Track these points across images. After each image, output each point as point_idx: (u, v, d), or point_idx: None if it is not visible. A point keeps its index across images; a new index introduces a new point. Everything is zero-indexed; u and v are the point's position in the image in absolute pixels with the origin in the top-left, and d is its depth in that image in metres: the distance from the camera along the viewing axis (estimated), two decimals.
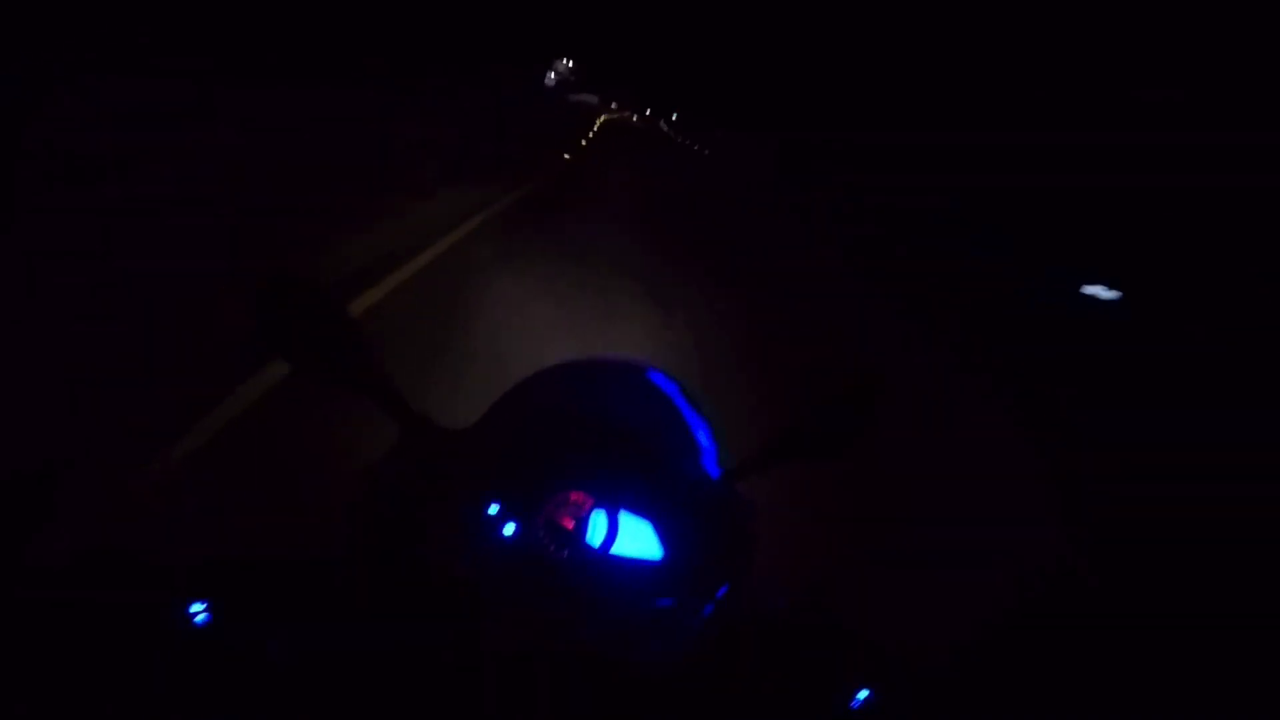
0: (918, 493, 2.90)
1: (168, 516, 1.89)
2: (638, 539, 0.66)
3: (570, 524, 0.65)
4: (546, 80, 54.30)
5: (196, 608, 0.51)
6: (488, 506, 0.65)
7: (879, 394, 0.74)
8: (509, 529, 0.64)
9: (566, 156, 15.12)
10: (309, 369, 0.66)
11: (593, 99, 67.26)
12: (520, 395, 0.83)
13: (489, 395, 0.84)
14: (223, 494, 2.01)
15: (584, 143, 20.83)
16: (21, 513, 0.70)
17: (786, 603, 0.70)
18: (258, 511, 1.85)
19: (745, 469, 0.73)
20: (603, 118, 35.15)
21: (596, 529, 0.65)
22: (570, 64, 71.96)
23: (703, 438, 0.81)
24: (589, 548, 0.65)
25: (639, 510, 0.66)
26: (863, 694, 0.61)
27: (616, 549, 0.65)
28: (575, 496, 0.66)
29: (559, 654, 0.60)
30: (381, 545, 0.66)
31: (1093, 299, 6.67)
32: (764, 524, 0.70)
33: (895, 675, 0.65)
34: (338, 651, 0.53)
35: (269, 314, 0.65)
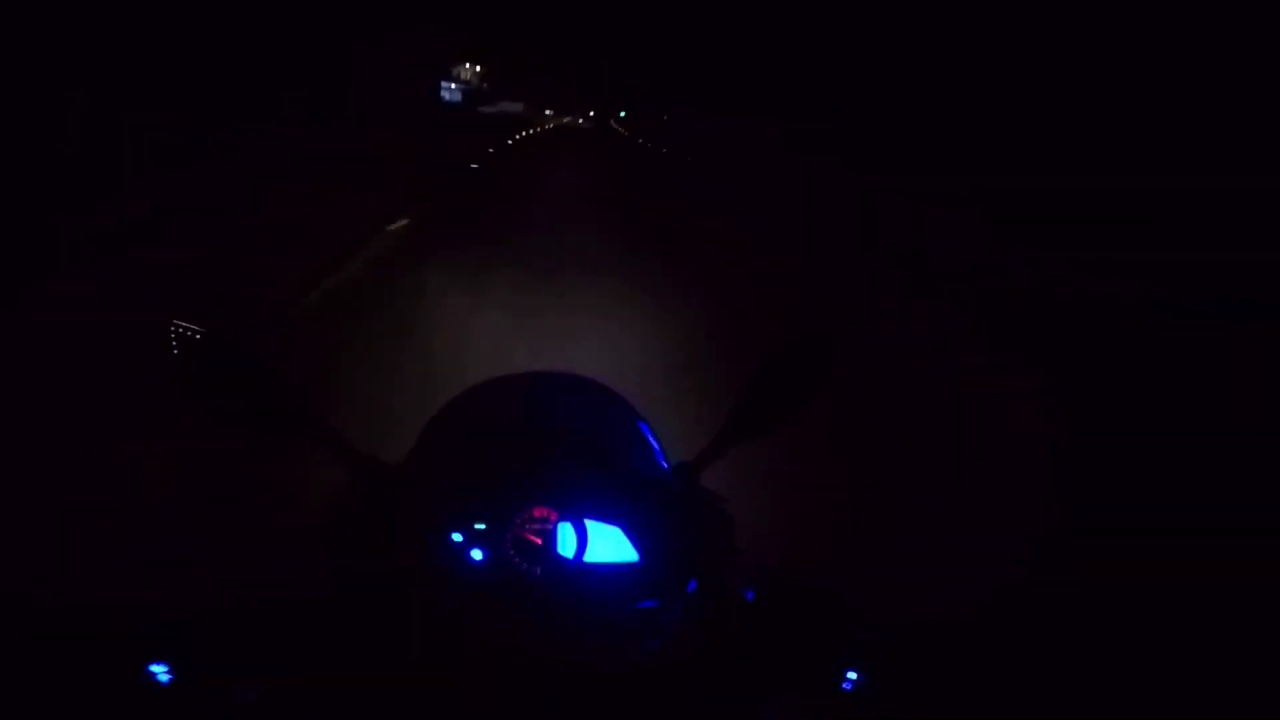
0: (909, 470, 2.91)
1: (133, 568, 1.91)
2: (609, 544, 0.66)
3: (538, 540, 0.65)
4: (444, 90, 47.57)
5: (158, 668, 0.52)
6: (451, 536, 0.64)
7: (825, 354, 0.71)
8: (477, 555, 0.64)
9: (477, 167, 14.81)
10: (237, 424, 0.64)
11: (517, 107, 58.29)
12: (457, 413, 0.82)
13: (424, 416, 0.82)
14: (185, 542, 2.03)
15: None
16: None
17: (771, 589, 0.70)
18: (224, 560, 1.87)
19: (704, 459, 0.72)
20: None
21: (566, 540, 0.65)
22: (478, 70, 65.13)
23: (649, 436, 0.81)
24: (562, 560, 0.65)
25: (605, 516, 0.66)
26: (852, 675, 0.61)
27: (589, 557, 0.65)
28: (539, 512, 0.65)
29: (548, 671, 0.59)
30: (352, 589, 0.65)
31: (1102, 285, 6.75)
32: (740, 511, 0.69)
33: (885, 656, 0.66)
34: (309, 693, 0.54)
35: (188, 372, 0.64)
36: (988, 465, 2.92)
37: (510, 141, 21.70)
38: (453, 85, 53.28)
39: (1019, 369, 4.31)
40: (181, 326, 0.64)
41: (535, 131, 31.49)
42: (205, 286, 4.42)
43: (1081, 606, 1.99)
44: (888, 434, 3.24)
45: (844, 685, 0.61)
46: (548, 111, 73.75)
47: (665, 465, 0.77)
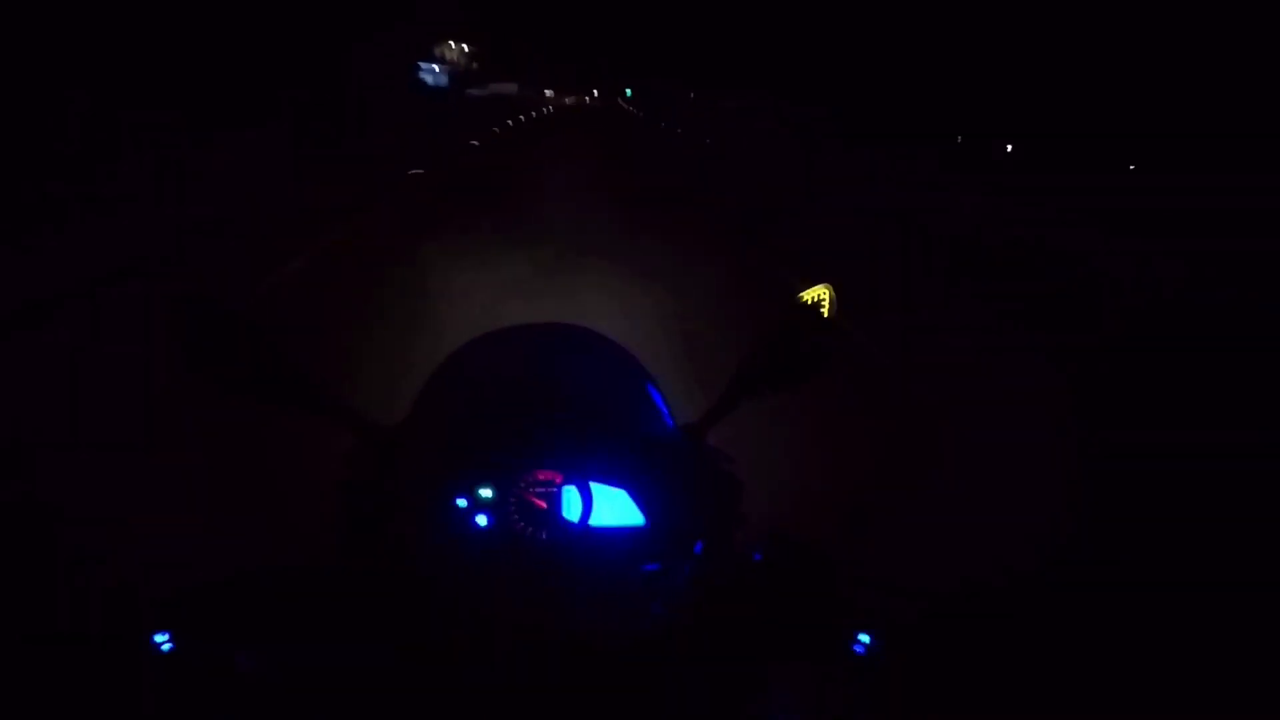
0: (921, 437, 2.95)
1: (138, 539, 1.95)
2: (615, 507, 0.66)
3: (543, 503, 0.65)
4: (426, 72, 42.78)
5: (160, 637, 0.54)
6: (455, 502, 0.64)
7: (828, 309, 0.70)
8: (482, 520, 0.64)
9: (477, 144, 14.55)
10: (235, 391, 0.64)
11: (510, 88, 53.91)
12: (459, 369, 0.80)
13: (426, 370, 0.80)
14: (193, 513, 2.08)
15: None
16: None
17: (779, 552, 0.69)
18: (232, 531, 1.92)
19: (710, 418, 0.71)
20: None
21: (571, 504, 0.65)
22: (465, 49, 58.55)
23: (655, 394, 0.79)
24: (567, 524, 0.64)
25: (611, 479, 0.65)
26: (864, 639, 0.61)
27: (594, 520, 0.65)
28: (543, 475, 0.65)
29: (554, 637, 0.60)
30: (359, 557, 0.65)
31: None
32: (749, 472, 0.70)
33: (899, 620, 0.65)
34: (310, 659, 0.56)
35: (188, 340, 0.63)
36: (1003, 444, 2.87)
37: (498, 130, 19.38)
38: (435, 67, 48.20)
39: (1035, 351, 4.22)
40: (182, 297, 0.64)
41: (533, 116, 28.96)
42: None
43: (1093, 587, 1.98)
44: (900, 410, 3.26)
45: (856, 649, 0.61)
46: (547, 92, 69.36)
47: (671, 424, 0.76)
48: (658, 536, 0.65)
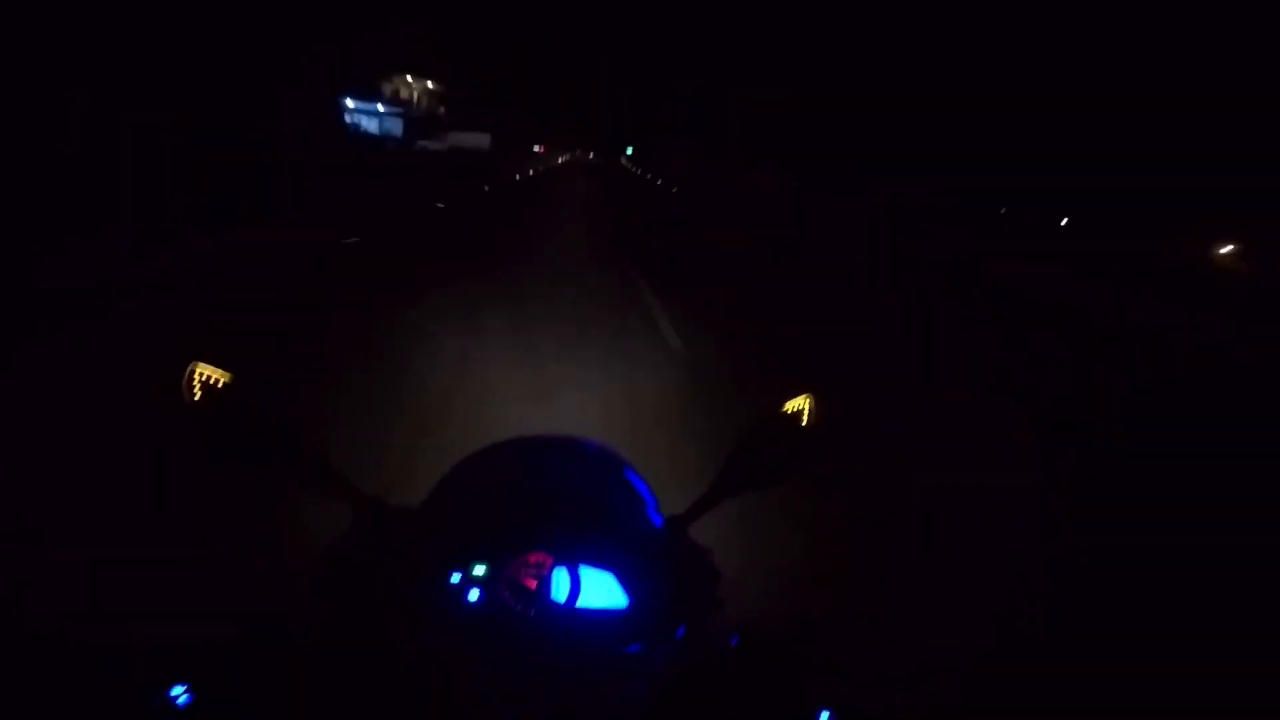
0: (893, 515, 2.99)
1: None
2: (601, 590, 0.71)
3: (533, 583, 0.69)
4: (358, 118, 32.39)
5: (177, 690, 0.56)
6: (450, 576, 0.68)
7: (814, 414, 0.76)
8: (473, 595, 0.68)
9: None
10: (246, 465, 0.69)
11: (483, 140, 41.76)
12: (466, 470, 0.87)
13: (433, 473, 0.87)
14: (191, 578, 2.08)
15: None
16: None
17: (753, 638, 0.75)
18: (228, 595, 1.93)
19: (694, 512, 0.78)
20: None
21: (559, 585, 0.70)
22: (431, 86, 47.49)
23: (644, 492, 0.86)
24: (555, 604, 0.69)
25: (599, 562, 0.71)
26: (825, 715, 0.66)
27: (581, 602, 0.70)
28: (534, 557, 0.70)
29: (537, 711, 0.64)
30: (349, 622, 0.68)
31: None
32: (723, 562, 0.75)
33: (857, 698, 0.72)
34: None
35: (195, 413, 0.68)
36: (974, 534, 2.91)
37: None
38: (379, 109, 36.47)
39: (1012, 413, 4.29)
40: (199, 370, 0.68)
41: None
42: None
43: (1069, 681, 2.00)
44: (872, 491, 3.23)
45: None
46: (536, 148, 58.97)
47: (657, 519, 0.82)
48: (641, 619, 0.70)
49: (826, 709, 0.67)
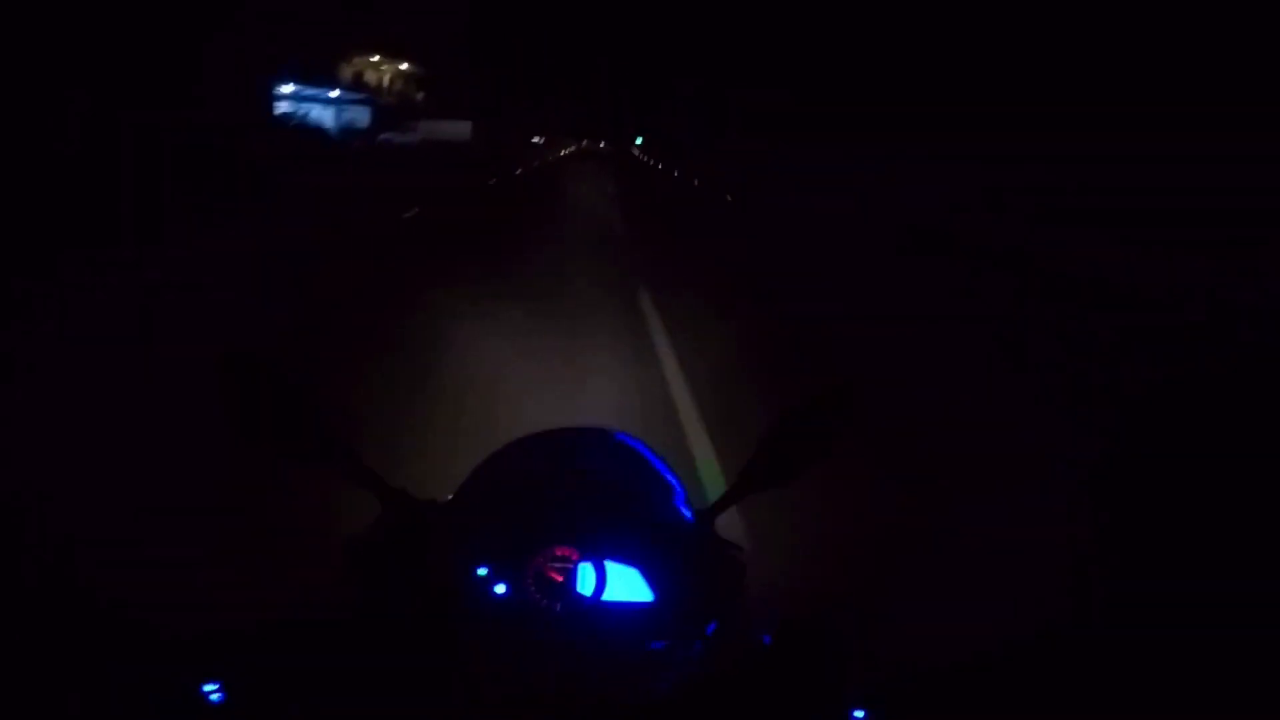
0: (922, 508, 3.00)
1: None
2: (627, 584, 0.71)
3: (559, 577, 0.69)
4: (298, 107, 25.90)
5: (210, 687, 0.55)
6: (476, 569, 0.68)
7: (847, 403, 0.75)
8: (499, 588, 0.68)
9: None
10: (276, 451, 0.69)
11: (463, 129, 36.43)
12: (496, 463, 0.88)
13: (463, 467, 0.88)
14: (218, 568, 2.09)
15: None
16: None
17: (784, 633, 0.73)
18: (255, 585, 1.93)
19: (722, 504, 0.78)
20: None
21: (585, 579, 0.69)
22: (405, 68, 38.83)
23: (673, 484, 0.87)
24: (580, 598, 0.69)
25: (625, 557, 0.71)
26: (858, 715, 0.65)
27: (607, 596, 0.69)
28: (561, 551, 0.70)
29: (563, 705, 0.63)
30: (375, 615, 0.68)
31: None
32: (752, 555, 0.74)
33: (891, 697, 0.70)
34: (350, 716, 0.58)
35: (230, 398, 0.68)
36: (1008, 517, 2.88)
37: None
38: (332, 94, 29.38)
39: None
40: (230, 352, 0.68)
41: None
42: None
43: (1099, 667, 2.03)
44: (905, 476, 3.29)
45: None
46: (535, 139, 54.34)
47: (685, 512, 0.82)
48: (666, 615, 0.70)
49: (863, 709, 0.66)
